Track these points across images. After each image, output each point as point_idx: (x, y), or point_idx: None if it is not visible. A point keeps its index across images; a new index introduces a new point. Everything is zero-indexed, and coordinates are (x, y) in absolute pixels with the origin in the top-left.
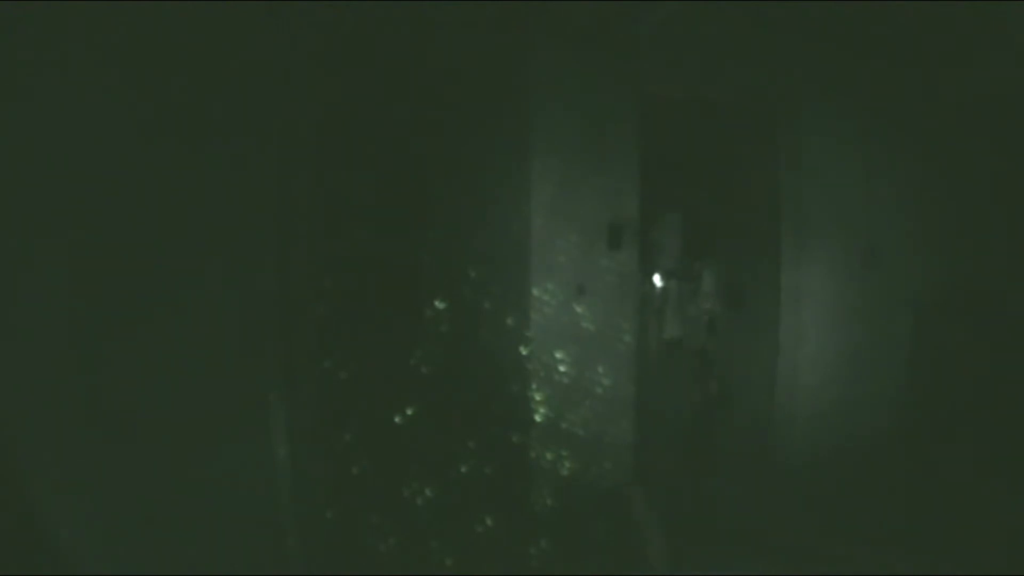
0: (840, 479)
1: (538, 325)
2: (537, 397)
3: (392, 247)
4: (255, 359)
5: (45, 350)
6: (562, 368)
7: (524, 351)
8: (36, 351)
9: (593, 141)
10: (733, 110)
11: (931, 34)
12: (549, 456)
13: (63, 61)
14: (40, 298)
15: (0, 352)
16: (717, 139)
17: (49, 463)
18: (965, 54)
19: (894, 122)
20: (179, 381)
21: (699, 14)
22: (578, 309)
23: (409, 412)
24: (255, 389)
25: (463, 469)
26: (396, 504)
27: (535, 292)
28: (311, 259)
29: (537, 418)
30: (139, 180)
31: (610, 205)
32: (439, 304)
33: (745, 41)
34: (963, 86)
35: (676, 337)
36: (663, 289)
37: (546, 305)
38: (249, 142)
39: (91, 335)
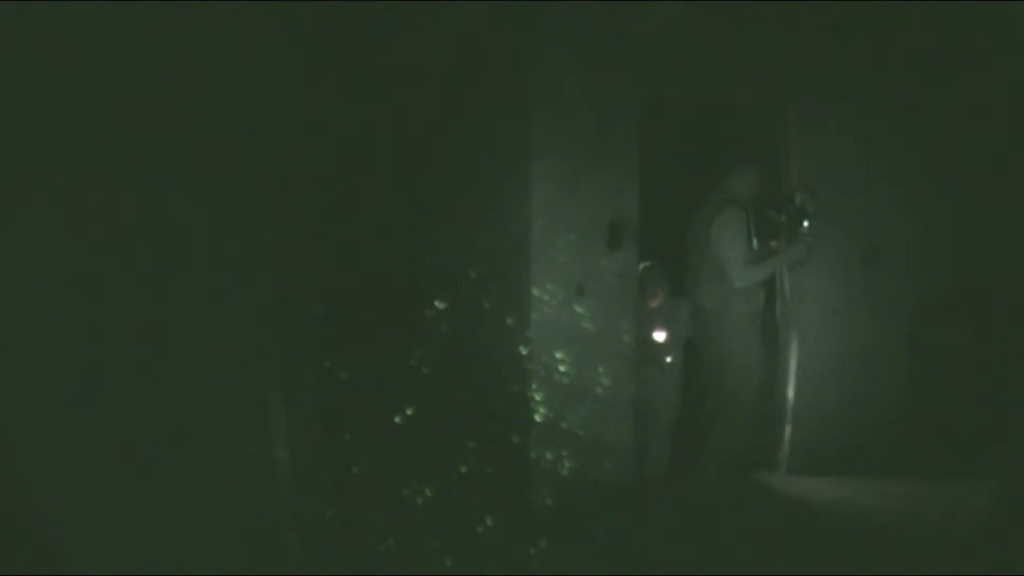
0: (840, 479)
1: (538, 325)
2: (537, 397)
3: (392, 247)
4: (255, 359)
5: (43, 350)
6: (562, 368)
7: (524, 351)
8: (34, 351)
9: (593, 141)
10: (734, 110)
11: (933, 34)
12: (549, 456)
13: (57, 59)
14: (38, 298)
15: None
16: (717, 139)
17: (49, 463)
18: (968, 54)
19: (895, 122)
20: (178, 381)
21: (701, 14)
22: (578, 309)
23: (409, 412)
24: (255, 389)
25: (463, 469)
26: (396, 504)
27: (535, 292)
28: (311, 259)
29: (537, 418)
30: (138, 179)
31: (610, 205)
32: (439, 304)
33: (747, 42)
34: (965, 86)
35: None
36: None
37: (546, 305)
38: (248, 141)
39: (90, 335)
